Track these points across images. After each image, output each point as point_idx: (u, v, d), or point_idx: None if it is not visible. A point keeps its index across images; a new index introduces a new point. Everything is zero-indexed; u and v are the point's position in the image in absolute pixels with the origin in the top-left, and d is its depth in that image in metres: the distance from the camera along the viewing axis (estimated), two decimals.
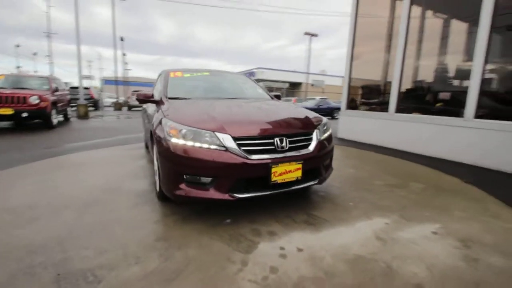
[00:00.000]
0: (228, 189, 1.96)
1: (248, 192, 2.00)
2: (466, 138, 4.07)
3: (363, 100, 6.31)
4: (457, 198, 2.73)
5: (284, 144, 2.09)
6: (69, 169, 3.50)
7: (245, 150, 1.96)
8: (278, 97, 3.64)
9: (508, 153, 3.59)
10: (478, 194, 2.86)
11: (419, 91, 5.29)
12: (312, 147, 2.24)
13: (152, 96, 3.07)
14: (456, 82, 4.82)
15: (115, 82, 18.72)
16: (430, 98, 5.12)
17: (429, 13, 5.47)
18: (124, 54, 29.22)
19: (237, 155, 1.94)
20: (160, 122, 2.25)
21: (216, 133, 1.98)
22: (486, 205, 2.55)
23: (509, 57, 4.00)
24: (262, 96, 3.49)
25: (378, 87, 6.06)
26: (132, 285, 1.42)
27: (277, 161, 2.01)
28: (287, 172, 2.06)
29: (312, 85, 39.20)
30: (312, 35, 24.77)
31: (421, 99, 5.19)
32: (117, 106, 17.94)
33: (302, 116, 2.50)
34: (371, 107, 6.04)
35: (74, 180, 3.07)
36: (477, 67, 3.92)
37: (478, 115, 3.97)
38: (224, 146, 1.95)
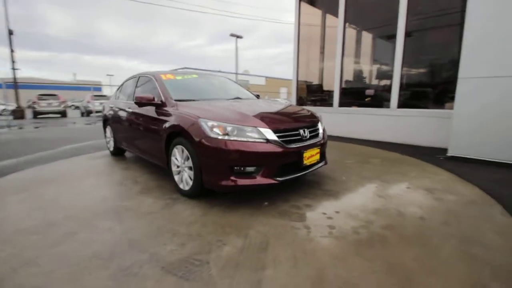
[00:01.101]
0: (272, 175, 2.32)
1: (286, 175, 2.41)
2: (393, 123, 5.40)
3: (310, 98, 7.33)
4: (404, 165, 3.78)
5: (306, 134, 2.58)
6: (47, 185, 3.10)
7: (283, 141, 2.37)
8: (257, 97, 4.07)
9: (422, 132, 5.01)
10: (414, 161, 4.00)
11: (354, 89, 6.58)
12: (321, 135, 2.81)
13: (153, 99, 3.06)
14: (383, 81, 6.21)
15: (13, 85, 15.19)
16: (362, 95, 6.45)
17: (359, 30, 6.82)
18: (12, 51, 23.72)
19: (278, 145, 2.33)
20: (194, 123, 2.41)
21: (259, 128, 2.31)
22: (424, 167, 3.65)
23: (417, 63, 5.49)
24: (251, 96, 3.87)
25: (321, 87, 7.18)
26: (235, 259, 1.67)
27: (305, 148, 2.49)
28: (311, 156, 2.57)
29: None
30: (238, 36, 25.70)
31: (356, 95, 6.48)
32: (18, 114, 14.71)
33: (307, 111, 3.04)
34: (318, 104, 7.09)
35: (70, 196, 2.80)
36: (396, 70, 5.26)
37: (399, 106, 5.35)
38: (266, 139, 2.30)
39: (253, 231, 2.00)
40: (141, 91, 3.61)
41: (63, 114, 15.92)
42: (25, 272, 1.58)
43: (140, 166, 3.89)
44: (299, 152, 2.44)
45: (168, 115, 2.82)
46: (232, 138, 2.25)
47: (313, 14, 7.13)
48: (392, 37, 5.35)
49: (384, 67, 6.09)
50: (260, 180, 2.29)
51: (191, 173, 2.51)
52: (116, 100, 4.31)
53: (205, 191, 2.49)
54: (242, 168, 2.26)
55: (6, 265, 1.64)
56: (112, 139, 4.54)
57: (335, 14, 6.29)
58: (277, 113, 2.78)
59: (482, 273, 1.53)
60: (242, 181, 2.27)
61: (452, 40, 4.99)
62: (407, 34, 5.14)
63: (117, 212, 2.37)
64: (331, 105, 6.47)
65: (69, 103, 20.50)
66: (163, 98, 3.04)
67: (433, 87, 5.26)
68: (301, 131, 2.55)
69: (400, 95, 5.30)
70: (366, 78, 6.65)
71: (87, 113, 17.02)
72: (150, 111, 3.16)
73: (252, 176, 2.29)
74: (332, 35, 7.32)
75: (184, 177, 2.64)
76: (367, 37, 6.98)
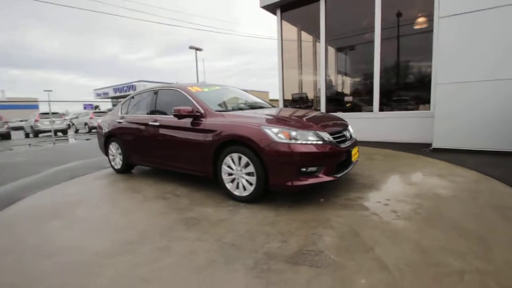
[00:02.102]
0: (331, 172, 2.60)
1: (341, 171, 2.70)
2: (377, 124, 6.15)
3: (296, 106, 7.83)
4: (405, 159, 4.39)
5: (348, 135, 2.93)
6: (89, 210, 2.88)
7: (337, 142, 2.67)
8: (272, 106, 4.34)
9: (403, 131, 5.81)
10: (410, 155, 4.65)
11: (338, 97, 7.28)
12: (354, 136, 3.19)
13: (192, 111, 3.10)
14: (366, 90, 6.98)
15: None
16: (343, 101, 7.17)
17: (339, 49, 7.59)
18: None
19: (335, 146, 2.62)
20: (258, 130, 2.56)
21: (318, 132, 2.58)
22: (422, 159, 4.30)
23: (392, 75, 6.36)
24: (269, 105, 4.12)
25: (306, 96, 7.77)
26: (341, 245, 1.89)
27: (351, 147, 2.83)
28: (355, 154, 2.92)
29: None
30: (197, 49, 25.62)
31: (339, 102, 7.17)
32: None
33: (336, 116, 3.41)
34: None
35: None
36: (376, 80, 6.05)
37: (380, 109, 6.13)
38: (325, 141, 2.57)
39: (335, 223, 2.24)
40: (167, 104, 3.59)
41: (5, 136, 13.89)
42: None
43: (160, 180, 3.79)
44: (349, 151, 2.77)
45: (215, 125, 2.91)
46: (298, 142, 2.47)
47: (291, 31, 7.74)
48: (366, 54, 6.17)
49: (364, 78, 6.89)
50: (322, 178, 2.54)
51: (252, 178, 2.64)
52: (128, 115, 4.14)
53: (261, 195, 2.66)
54: (307, 169, 2.49)
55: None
56: (118, 156, 4.32)
57: (310, 31, 7.00)
58: (319, 118, 3.07)
59: None
60: (308, 181, 2.49)
61: (415, 63, 5.97)
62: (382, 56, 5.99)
63: (191, 223, 2.38)
64: (318, 110, 7.04)
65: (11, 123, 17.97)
66: (201, 110, 3.11)
67: (407, 93, 6.17)
68: (345, 133, 2.90)
69: (381, 101, 6.08)
70: (347, 87, 7.43)
71: (34, 133, 15.12)
72: (184, 123, 3.17)
73: (316, 175, 2.53)
74: (308, 49, 8.02)
75: (241, 184, 2.75)
76: (347, 58, 7.82)
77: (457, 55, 4.37)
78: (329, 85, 7.27)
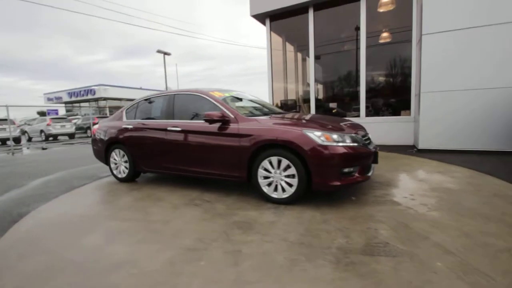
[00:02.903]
0: (364, 172, 2.82)
1: (369, 171, 2.94)
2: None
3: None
4: (401, 159, 4.84)
5: (370, 138, 3.20)
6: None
7: (367, 144, 2.91)
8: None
9: (386, 134, 6.38)
10: (403, 156, 5.13)
11: (325, 103, 7.71)
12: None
13: (222, 116, 3.10)
14: (350, 97, 7.49)
15: None
16: (329, 107, 7.63)
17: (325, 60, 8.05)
18: None
19: (367, 148, 2.85)
20: (301, 134, 2.67)
21: (354, 135, 2.78)
22: (416, 159, 4.79)
23: (376, 84, 6.96)
24: (282, 110, 4.26)
25: (294, 102, 8.08)
26: (399, 236, 2.08)
27: (376, 149, 3.10)
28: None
29: None
30: (165, 53, 24.82)
31: (324, 108, 7.61)
32: None
33: (354, 121, 3.67)
34: None
35: None
36: (362, 88, 6.58)
37: (367, 115, 6.66)
38: (359, 143, 2.79)
39: (380, 217, 2.44)
40: (187, 109, 3.52)
41: (17, 140, 13.64)
42: None
43: (174, 187, 3.70)
44: (376, 152, 3.02)
45: (250, 130, 2.95)
46: (340, 144, 2.64)
47: (276, 41, 8.04)
48: (350, 63, 6.71)
49: (348, 86, 7.41)
50: (357, 177, 2.74)
51: (293, 180, 2.74)
52: (137, 121, 3.93)
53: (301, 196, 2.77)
54: (347, 169, 2.68)
55: None
56: (123, 164, 4.07)
57: (292, 41, 7.39)
58: (344, 122, 3.28)
59: None
60: (347, 180, 2.67)
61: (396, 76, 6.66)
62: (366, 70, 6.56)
63: (244, 227, 2.39)
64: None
65: None
66: (231, 115, 3.13)
67: (390, 100, 6.81)
68: (369, 136, 3.16)
69: (367, 107, 6.63)
70: (332, 94, 7.90)
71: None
72: (213, 128, 3.16)
73: (353, 175, 2.73)
74: (291, 58, 8.39)
75: (279, 186, 2.83)
76: (330, 66, 8.32)
77: (439, 67, 5.01)
78: (327, 94, 7.71)
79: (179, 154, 3.49)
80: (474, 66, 4.74)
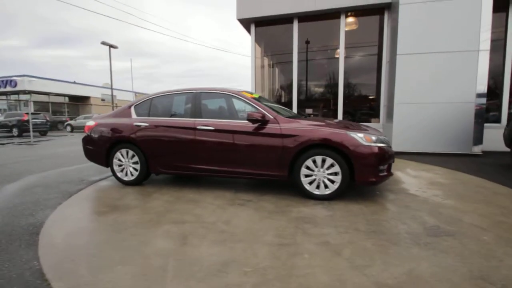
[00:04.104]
0: (389, 170, 3.25)
1: (391, 169, 3.40)
2: None
3: None
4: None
5: None
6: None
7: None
8: None
9: None
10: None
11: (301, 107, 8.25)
12: None
13: (263, 116, 3.18)
14: (327, 103, 8.15)
15: None
16: (307, 112, 8.21)
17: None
18: None
19: (391, 148, 3.30)
20: (345, 135, 2.95)
21: (384, 137, 3.19)
22: (396, 160, 5.57)
23: (353, 95, 7.77)
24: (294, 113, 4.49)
25: None
26: (457, 216, 2.53)
27: None
28: None
29: (103, 100, 34.65)
30: (111, 46, 22.48)
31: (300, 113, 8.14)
32: None
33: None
34: None
35: None
36: (340, 97, 7.32)
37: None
38: (388, 144, 3.21)
39: (414, 207, 2.87)
40: (217, 108, 3.47)
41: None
42: None
43: (198, 188, 3.60)
44: (394, 152, 3.51)
45: (293, 130, 3.10)
46: (377, 145, 3.01)
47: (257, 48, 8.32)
48: (330, 71, 7.42)
49: (325, 93, 8.10)
50: (388, 174, 3.16)
51: (337, 177, 3.00)
52: (154, 118, 3.65)
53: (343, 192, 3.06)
54: (381, 166, 3.06)
55: None
56: (131, 165, 3.74)
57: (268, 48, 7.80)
58: (365, 127, 3.68)
59: None
60: (381, 177, 3.06)
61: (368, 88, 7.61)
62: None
63: (310, 222, 2.53)
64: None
65: None
66: (270, 115, 3.23)
67: (362, 108, 7.71)
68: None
69: (343, 113, 7.38)
70: (309, 100, 8.50)
71: None
72: (251, 127, 3.21)
73: (384, 172, 3.13)
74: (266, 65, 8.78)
75: (322, 183, 3.06)
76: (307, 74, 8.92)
77: (410, 83, 5.97)
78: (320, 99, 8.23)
79: (211, 154, 3.40)
80: (434, 85, 5.83)
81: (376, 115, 7.27)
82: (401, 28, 5.91)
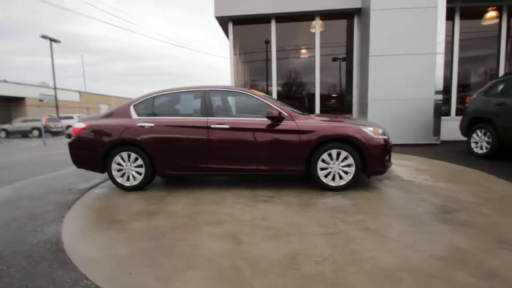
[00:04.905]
0: (390, 159, 3.60)
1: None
2: None
3: None
4: None
5: None
6: None
7: None
8: None
9: None
10: None
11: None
12: None
13: (280, 114, 3.25)
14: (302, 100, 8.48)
15: None
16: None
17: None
18: None
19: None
20: (359, 129, 3.19)
21: (385, 130, 3.52)
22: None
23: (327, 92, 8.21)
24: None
25: None
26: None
27: None
28: None
29: (41, 100, 30.42)
30: (53, 40, 19.87)
31: None
32: None
33: None
34: None
35: None
36: (317, 96, 7.73)
37: None
38: (388, 137, 3.56)
39: (416, 191, 3.25)
40: (228, 106, 3.44)
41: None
42: None
43: (214, 189, 3.54)
44: None
45: (310, 126, 3.24)
46: (384, 137, 3.32)
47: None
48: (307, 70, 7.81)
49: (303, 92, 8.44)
50: (390, 164, 3.51)
51: (350, 169, 3.23)
52: (160, 118, 3.44)
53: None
54: (387, 157, 3.39)
55: None
56: (133, 169, 3.48)
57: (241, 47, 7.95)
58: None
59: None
60: (387, 166, 3.38)
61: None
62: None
63: (341, 211, 2.69)
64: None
65: None
66: (285, 113, 3.32)
67: (337, 104, 8.24)
68: None
69: (320, 111, 7.82)
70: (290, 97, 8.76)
71: None
72: (269, 125, 3.26)
73: (388, 162, 3.47)
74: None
75: (337, 175, 3.26)
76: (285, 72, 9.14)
77: (380, 82, 6.60)
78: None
79: (227, 153, 3.35)
80: (402, 83, 6.56)
81: (349, 111, 7.86)
82: (372, 32, 6.50)
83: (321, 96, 7.92)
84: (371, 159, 3.24)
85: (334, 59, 8.02)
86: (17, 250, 2.08)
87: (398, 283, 1.57)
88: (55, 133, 17.74)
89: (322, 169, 3.28)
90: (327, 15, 7.55)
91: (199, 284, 1.62)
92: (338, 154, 3.24)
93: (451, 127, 6.92)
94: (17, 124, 18.22)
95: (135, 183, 3.51)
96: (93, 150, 3.52)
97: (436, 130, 6.62)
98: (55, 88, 21.21)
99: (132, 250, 2.05)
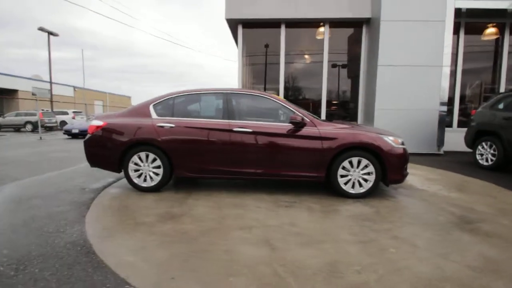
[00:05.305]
0: (407, 168, 3.66)
1: None
2: None
3: None
4: None
5: None
6: None
7: None
8: None
9: None
10: None
11: None
12: None
13: (302, 119, 3.27)
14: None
15: None
16: None
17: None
18: None
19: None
20: (379, 138, 3.23)
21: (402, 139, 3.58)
22: None
23: (334, 97, 8.28)
24: None
25: None
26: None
27: None
28: None
29: (34, 94, 29.74)
30: (51, 33, 19.49)
31: None
32: None
33: None
34: None
35: None
36: (323, 99, 7.80)
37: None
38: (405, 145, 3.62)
39: (433, 200, 3.31)
40: (250, 110, 3.45)
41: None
42: None
43: (234, 193, 3.53)
44: None
45: (331, 133, 3.26)
46: (403, 146, 3.37)
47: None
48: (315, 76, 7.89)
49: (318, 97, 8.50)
50: (407, 174, 3.56)
51: (370, 177, 3.26)
52: (181, 119, 3.40)
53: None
54: (405, 166, 3.44)
55: None
56: (151, 170, 3.43)
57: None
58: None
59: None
60: (405, 175, 3.43)
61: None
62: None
63: (367, 219, 2.72)
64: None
65: None
66: (307, 118, 3.34)
67: (343, 112, 8.32)
68: None
69: (326, 114, 7.89)
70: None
71: None
72: (292, 130, 3.28)
73: (406, 170, 3.51)
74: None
75: (357, 183, 3.29)
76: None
77: (387, 91, 6.72)
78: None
79: (248, 157, 3.34)
80: (409, 93, 6.68)
81: (354, 118, 7.96)
82: (382, 42, 6.62)
83: (327, 102, 8.00)
84: (391, 168, 3.28)
85: (343, 66, 8.11)
86: (45, 252, 2.02)
87: None
88: (49, 128, 17.32)
89: (342, 176, 3.30)
90: (336, 23, 7.65)
91: None
92: (359, 162, 3.28)
93: (453, 138, 7.08)
94: (10, 118, 17.72)
95: (152, 184, 3.46)
96: (110, 149, 3.46)
97: (440, 141, 6.76)
98: (50, 82, 20.82)
99: (166, 254, 2.01)
